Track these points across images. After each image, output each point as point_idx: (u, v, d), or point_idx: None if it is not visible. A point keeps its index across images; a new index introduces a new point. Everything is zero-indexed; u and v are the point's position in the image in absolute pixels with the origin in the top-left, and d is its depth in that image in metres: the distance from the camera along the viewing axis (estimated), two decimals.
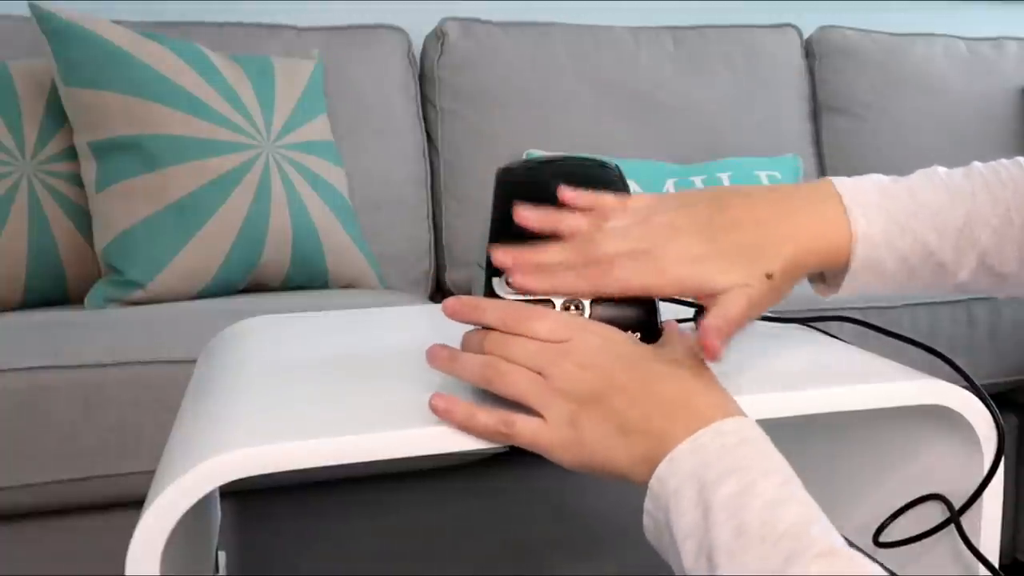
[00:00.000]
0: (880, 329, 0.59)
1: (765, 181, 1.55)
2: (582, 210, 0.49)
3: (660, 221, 0.47)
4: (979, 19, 2.04)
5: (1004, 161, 0.52)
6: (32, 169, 1.26)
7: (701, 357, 0.45)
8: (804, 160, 1.76)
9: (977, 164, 0.52)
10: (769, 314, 0.65)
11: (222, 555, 0.81)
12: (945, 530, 0.52)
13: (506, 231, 0.49)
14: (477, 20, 1.64)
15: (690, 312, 0.65)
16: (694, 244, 0.46)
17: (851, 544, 0.65)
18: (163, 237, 1.22)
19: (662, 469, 0.41)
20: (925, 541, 0.53)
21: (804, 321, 0.63)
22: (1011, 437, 1.31)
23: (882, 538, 0.57)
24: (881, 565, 0.62)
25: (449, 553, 1.09)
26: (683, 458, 0.40)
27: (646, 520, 0.43)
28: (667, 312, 0.70)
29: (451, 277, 1.59)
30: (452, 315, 0.46)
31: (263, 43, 1.51)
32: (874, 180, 0.50)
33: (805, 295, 1.22)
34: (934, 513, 0.54)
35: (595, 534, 1.14)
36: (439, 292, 1.64)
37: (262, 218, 1.29)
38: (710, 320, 0.45)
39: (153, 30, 1.34)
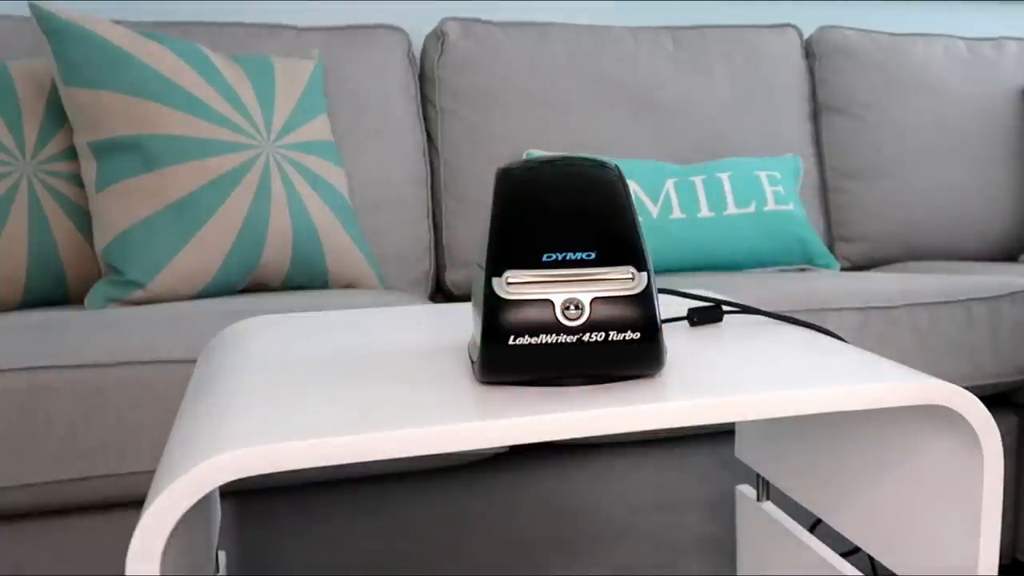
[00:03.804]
0: (768, 313, 0.59)
1: (765, 181, 1.55)
2: None
3: None
4: (979, 19, 2.05)
5: None
6: (32, 169, 1.26)
7: None
8: (804, 160, 1.77)
9: None
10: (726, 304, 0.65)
11: (222, 555, 0.81)
12: None
13: (506, 231, 0.49)
14: (477, 20, 1.64)
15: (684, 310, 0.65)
16: None
17: (854, 547, 0.64)
18: (163, 237, 1.22)
19: None
20: None
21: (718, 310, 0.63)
22: (1011, 437, 1.31)
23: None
24: (875, 570, 0.62)
25: (449, 553, 1.09)
26: None
27: None
28: (666, 311, 0.70)
29: (451, 277, 1.59)
30: None
31: (263, 43, 1.51)
32: None
33: (802, 294, 1.22)
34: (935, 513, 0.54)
35: (595, 534, 1.14)
36: (439, 292, 1.64)
37: (262, 218, 1.29)
38: None
39: (153, 30, 1.34)
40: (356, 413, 0.44)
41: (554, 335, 0.46)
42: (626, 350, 0.47)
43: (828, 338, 0.60)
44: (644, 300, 0.47)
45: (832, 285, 1.21)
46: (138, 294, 1.20)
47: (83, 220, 1.28)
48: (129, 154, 1.24)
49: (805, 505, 0.70)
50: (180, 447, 0.42)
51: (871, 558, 0.64)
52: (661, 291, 0.69)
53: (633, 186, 1.51)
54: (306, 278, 1.37)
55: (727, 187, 1.53)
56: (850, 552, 0.76)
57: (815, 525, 0.77)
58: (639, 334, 0.47)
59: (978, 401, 0.49)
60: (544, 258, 0.48)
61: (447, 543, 1.09)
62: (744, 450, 0.81)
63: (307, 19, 1.65)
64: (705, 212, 1.51)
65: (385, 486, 1.06)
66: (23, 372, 0.86)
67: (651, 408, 0.44)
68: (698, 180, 1.53)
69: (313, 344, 0.61)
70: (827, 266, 1.57)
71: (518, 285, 0.47)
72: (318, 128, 1.42)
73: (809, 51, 1.84)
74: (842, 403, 0.47)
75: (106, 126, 1.24)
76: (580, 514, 1.13)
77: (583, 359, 0.47)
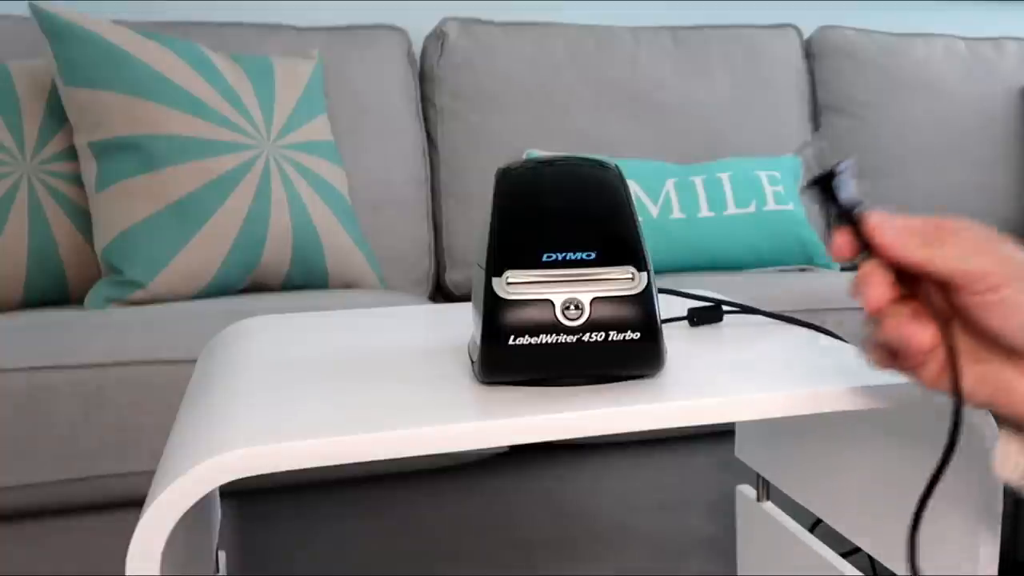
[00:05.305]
0: (768, 313, 0.59)
1: (765, 181, 1.55)
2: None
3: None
4: (979, 19, 2.05)
5: None
6: (32, 169, 1.26)
7: None
8: (804, 160, 1.77)
9: None
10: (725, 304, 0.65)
11: (222, 555, 0.81)
12: None
13: (506, 231, 0.49)
14: (477, 20, 1.64)
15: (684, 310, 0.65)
16: None
17: (854, 547, 0.64)
18: (163, 237, 1.22)
19: None
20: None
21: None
22: None
23: None
24: (875, 570, 0.62)
25: (449, 553, 1.09)
26: None
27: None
28: (666, 311, 0.70)
29: (451, 277, 1.59)
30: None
31: (263, 43, 1.51)
32: None
33: (802, 294, 1.22)
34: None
35: (595, 534, 1.14)
36: (439, 292, 1.64)
37: (262, 218, 1.29)
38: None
39: (153, 30, 1.34)
40: (356, 413, 0.44)
41: (554, 335, 0.46)
42: (626, 350, 0.47)
43: (828, 338, 0.60)
44: (644, 300, 0.47)
45: (832, 285, 1.21)
46: (138, 294, 1.20)
47: (83, 220, 1.28)
48: (129, 154, 1.24)
49: (805, 505, 0.70)
50: (180, 447, 0.42)
51: (871, 558, 0.64)
52: (661, 291, 0.69)
53: (633, 186, 1.51)
54: (306, 278, 1.37)
55: (727, 187, 1.53)
56: (850, 552, 0.76)
57: (815, 525, 0.77)
58: (639, 334, 0.47)
59: None
60: (544, 258, 0.48)
61: (447, 543, 1.09)
62: (744, 450, 0.81)
63: (307, 19, 1.65)
64: (705, 212, 1.51)
65: (385, 486, 1.06)
66: (23, 372, 0.86)
67: (651, 408, 0.44)
68: (698, 180, 1.53)
69: (313, 344, 0.61)
70: (827, 266, 1.57)
71: (518, 285, 0.47)
72: (318, 128, 1.42)
73: (809, 51, 1.84)
74: (841, 403, 0.47)
75: (106, 126, 1.23)
76: (580, 514, 1.13)
77: (583, 359, 0.47)
